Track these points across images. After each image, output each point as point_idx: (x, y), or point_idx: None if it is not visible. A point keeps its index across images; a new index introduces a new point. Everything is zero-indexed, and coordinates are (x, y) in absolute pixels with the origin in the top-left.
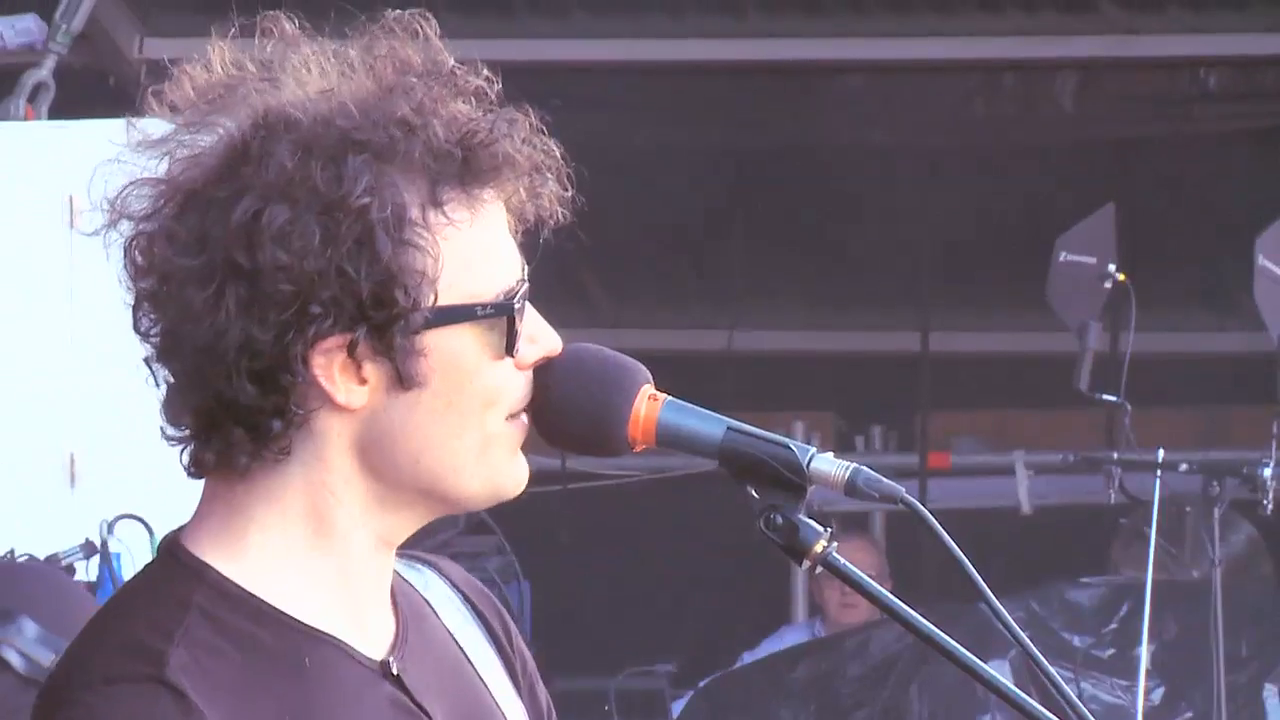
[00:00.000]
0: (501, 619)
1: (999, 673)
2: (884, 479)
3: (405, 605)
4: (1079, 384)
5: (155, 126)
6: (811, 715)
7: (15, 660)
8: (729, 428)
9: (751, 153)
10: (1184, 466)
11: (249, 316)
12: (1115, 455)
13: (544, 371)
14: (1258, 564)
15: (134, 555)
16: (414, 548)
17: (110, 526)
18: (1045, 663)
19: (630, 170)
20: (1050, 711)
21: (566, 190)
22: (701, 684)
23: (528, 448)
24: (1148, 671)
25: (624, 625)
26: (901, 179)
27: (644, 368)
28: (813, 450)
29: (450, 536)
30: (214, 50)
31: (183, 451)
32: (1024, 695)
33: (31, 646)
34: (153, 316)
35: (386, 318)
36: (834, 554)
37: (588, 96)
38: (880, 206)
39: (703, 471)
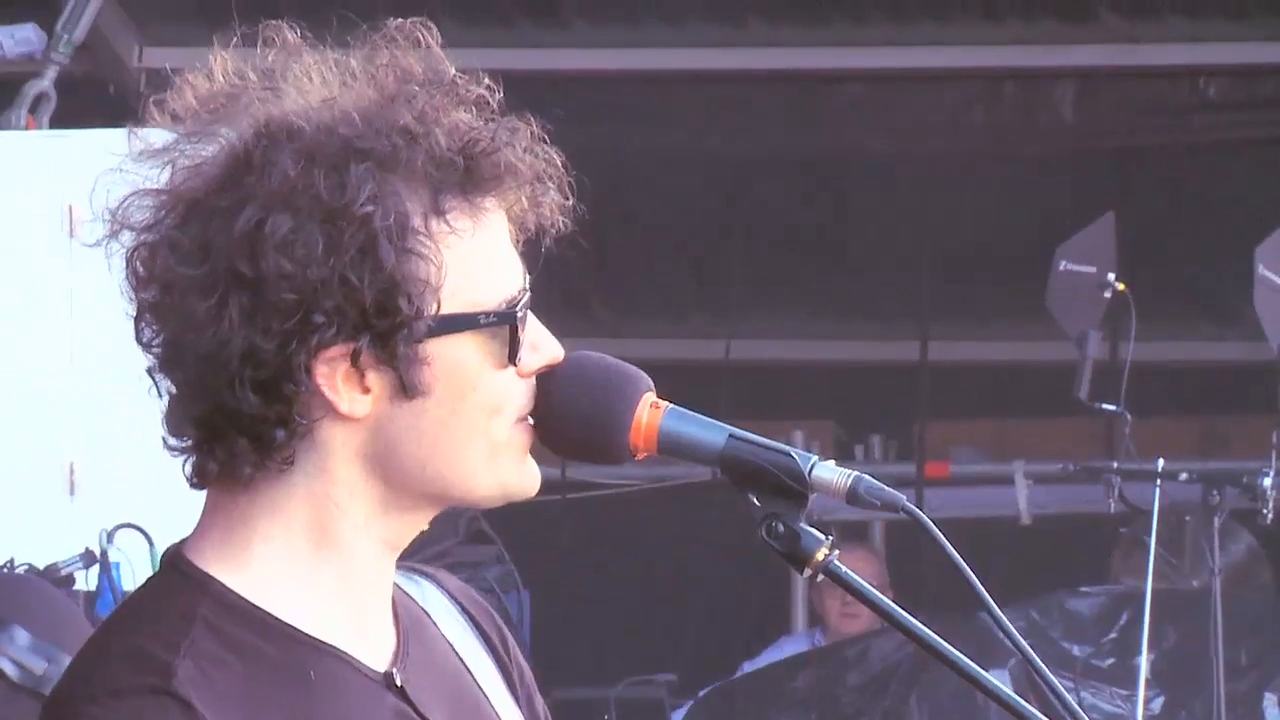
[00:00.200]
0: (499, 630)
1: (999, 681)
2: (885, 487)
3: (405, 616)
4: (1079, 393)
5: (156, 136)
6: None
7: (9, 668)
8: (731, 435)
9: (751, 161)
10: (1184, 476)
11: (252, 326)
12: (1115, 464)
13: (546, 379)
14: (1257, 573)
15: (133, 565)
16: (412, 557)
17: (110, 536)
18: (1046, 671)
19: (630, 179)
20: None
21: (568, 199)
22: (701, 693)
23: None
24: (1147, 680)
25: (624, 635)
26: (901, 187)
27: (646, 375)
28: (814, 458)
29: (449, 546)
30: (216, 59)
31: (185, 462)
32: (1024, 704)
33: (24, 654)
34: (155, 327)
35: (390, 326)
36: (835, 562)
37: (588, 106)
38: (880, 215)
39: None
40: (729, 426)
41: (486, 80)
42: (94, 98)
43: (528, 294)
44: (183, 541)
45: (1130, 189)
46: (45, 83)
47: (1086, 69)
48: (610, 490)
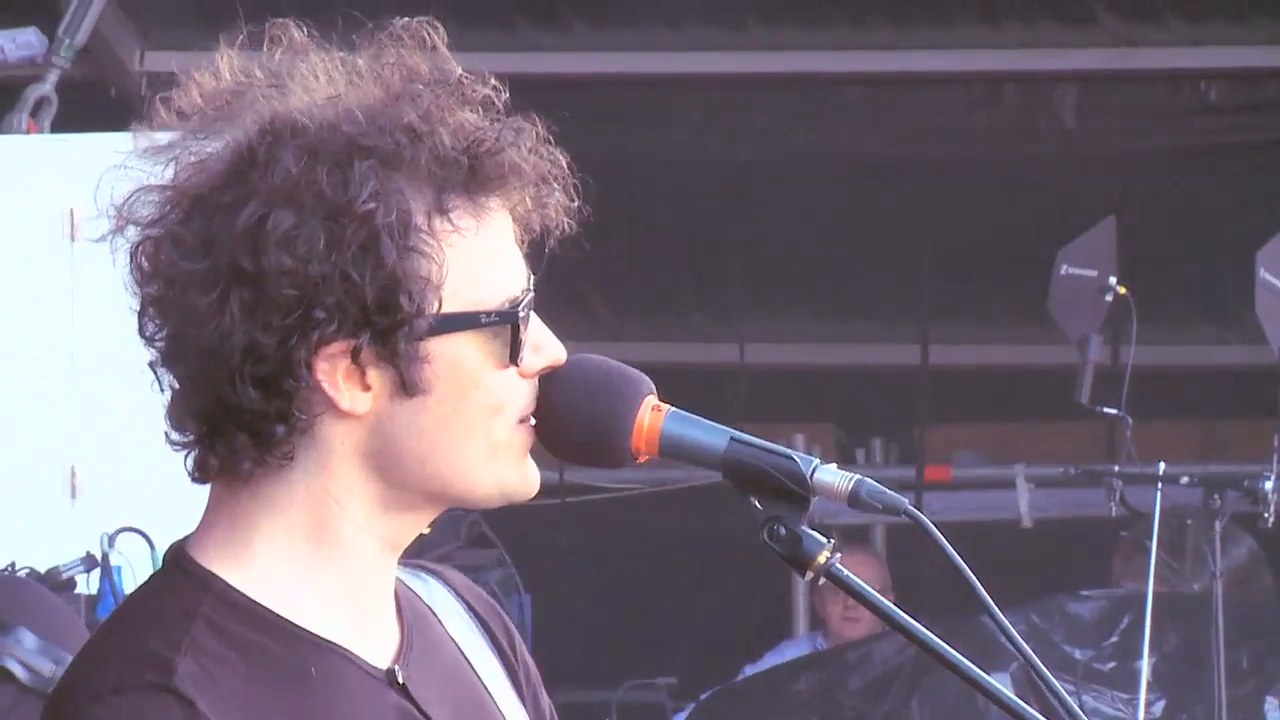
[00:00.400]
0: (505, 627)
1: (1000, 685)
2: (887, 490)
3: (409, 613)
4: (1080, 396)
5: (161, 135)
6: None
7: (17, 670)
8: (732, 439)
9: (751, 165)
10: (1185, 479)
11: (253, 321)
12: (1116, 468)
13: (547, 381)
14: (1259, 577)
15: (134, 568)
16: (414, 560)
17: (111, 539)
18: (1048, 674)
19: (630, 182)
20: None
21: (573, 201)
22: (703, 697)
23: (553, 462)
24: (1149, 684)
25: (625, 638)
26: (901, 191)
27: (647, 379)
28: (816, 461)
29: (450, 550)
30: (222, 58)
31: (186, 456)
32: (1025, 707)
33: (32, 657)
34: (158, 322)
35: (390, 323)
36: (837, 565)
37: (588, 109)
38: (880, 218)
39: (704, 484)
40: (730, 429)
41: (492, 81)
42: (95, 102)
43: (531, 294)
44: (185, 539)
45: (1131, 193)
46: (46, 87)
47: (1087, 72)
48: (611, 494)
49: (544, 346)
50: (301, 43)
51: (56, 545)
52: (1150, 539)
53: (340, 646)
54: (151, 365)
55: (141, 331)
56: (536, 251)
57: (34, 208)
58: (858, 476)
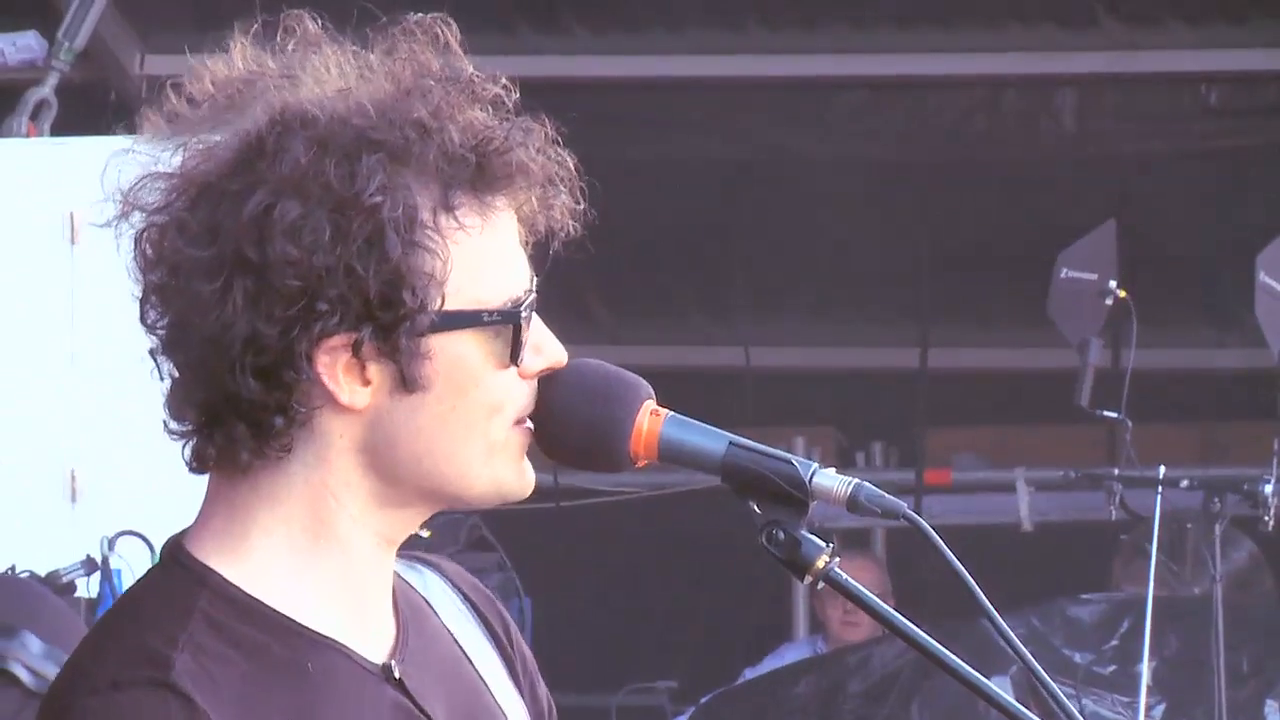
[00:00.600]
0: (501, 618)
1: (1000, 689)
2: (886, 494)
3: (405, 606)
4: (1080, 400)
5: (167, 126)
6: None
7: (23, 675)
8: (731, 443)
9: (751, 168)
10: (1185, 483)
11: (256, 310)
12: (1116, 471)
13: (546, 385)
14: (1259, 580)
15: (135, 572)
16: (409, 552)
17: (111, 543)
18: (1047, 678)
19: (630, 185)
20: None
21: (579, 203)
22: (703, 700)
23: (549, 464)
24: (1149, 688)
25: (625, 642)
26: (901, 194)
27: (646, 383)
28: (815, 465)
29: (450, 553)
30: (235, 46)
31: (184, 446)
32: (1025, 711)
33: (37, 661)
34: (159, 309)
35: (393, 318)
36: (836, 569)
37: (589, 112)
38: (881, 222)
39: (704, 488)
40: (729, 434)
41: (503, 80)
42: (95, 105)
43: (534, 295)
44: (183, 532)
45: (1131, 196)
46: (46, 90)
47: (1087, 76)
48: (611, 498)
49: (545, 348)
50: (315, 35)
51: (56, 549)
52: (1150, 542)
53: (337, 642)
54: (152, 353)
55: (143, 319)
56: (540, 253)
57: (34, 211)
58: (856, 480)
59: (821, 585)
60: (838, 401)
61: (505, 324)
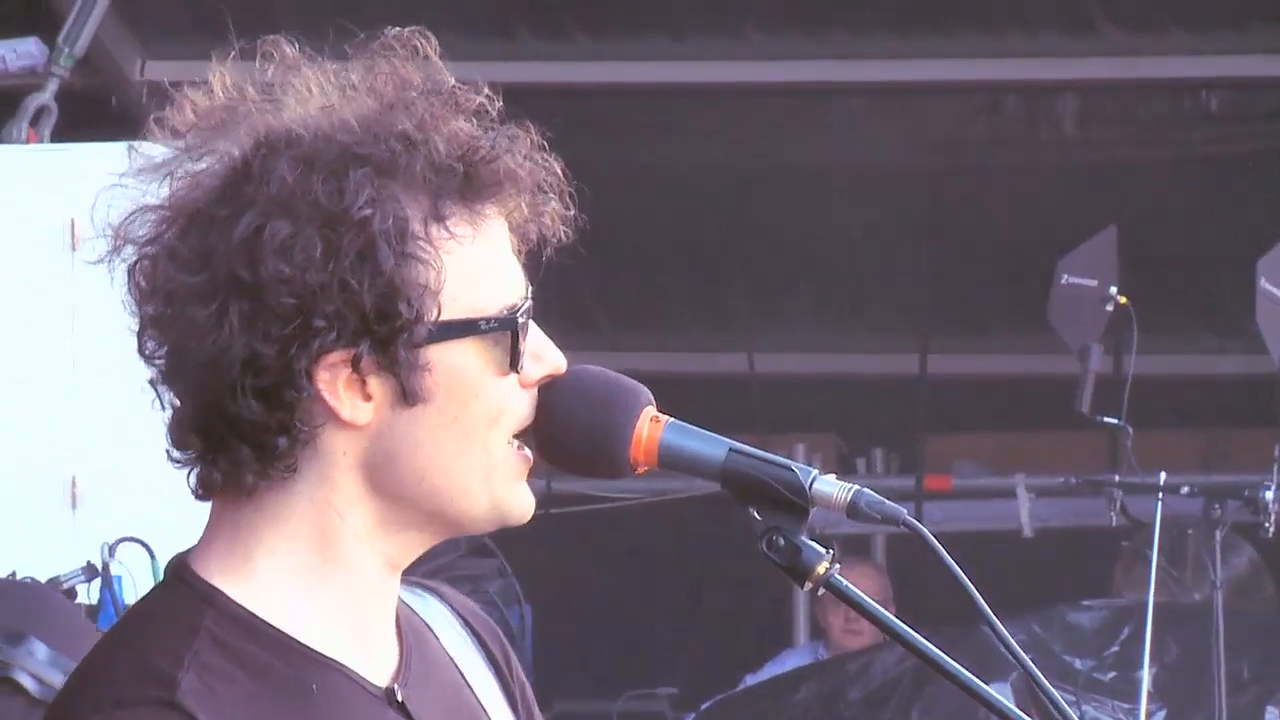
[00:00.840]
0: (501, 645)
1: (1001, 695)
2: (886, 501)
3: (408, 630)
4: (1081, 406)
5: (157, 151)
6: None
7: (28, 683)
8: (731, 449)
9: (751, 174)
10: (1185, 489)
11: (252, 332)
12: (1117, 478)
13: (546, 392)
14: (1259, 586)
15: (135, 578)
16: (413, 570)
17: (112, 549)
18: (1047, 684)
19: (630, 191)
20: None
21: (569, 209)
22: (703, 706)
23: (541, 469)
24: (1149, 694)
25: (626, 648)
26: (902, 200)
27: (646, 389)
28: (815, 472)
29: (451, 560)
30: (214, 75)
31: (190, 474)
32: (1026, 717)
33: (43, 669)
34: (157, 339)
35: (390, 331)
36: (836, 576)
37: (589, 119)
38: (881, 228)
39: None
40: (729, 440)
41: (486, 90)
42: (96, 111)
43: (529, 302)
44: (188, 552)
45: (1131, 202)
46: (46, 96)
47: (1088, 82)
48: (611, 504)
49: (544, 355)
50: (294, 57)
51: (57, 555)
52: (1151, 548)
53: (341, 664)
54: (152, 383)
55: (141, 350)
56: (534, 261)
57: (34, 217)
58: (856, 487)
59: (822, 592)
60: (838, 408)
61: (503, 331)
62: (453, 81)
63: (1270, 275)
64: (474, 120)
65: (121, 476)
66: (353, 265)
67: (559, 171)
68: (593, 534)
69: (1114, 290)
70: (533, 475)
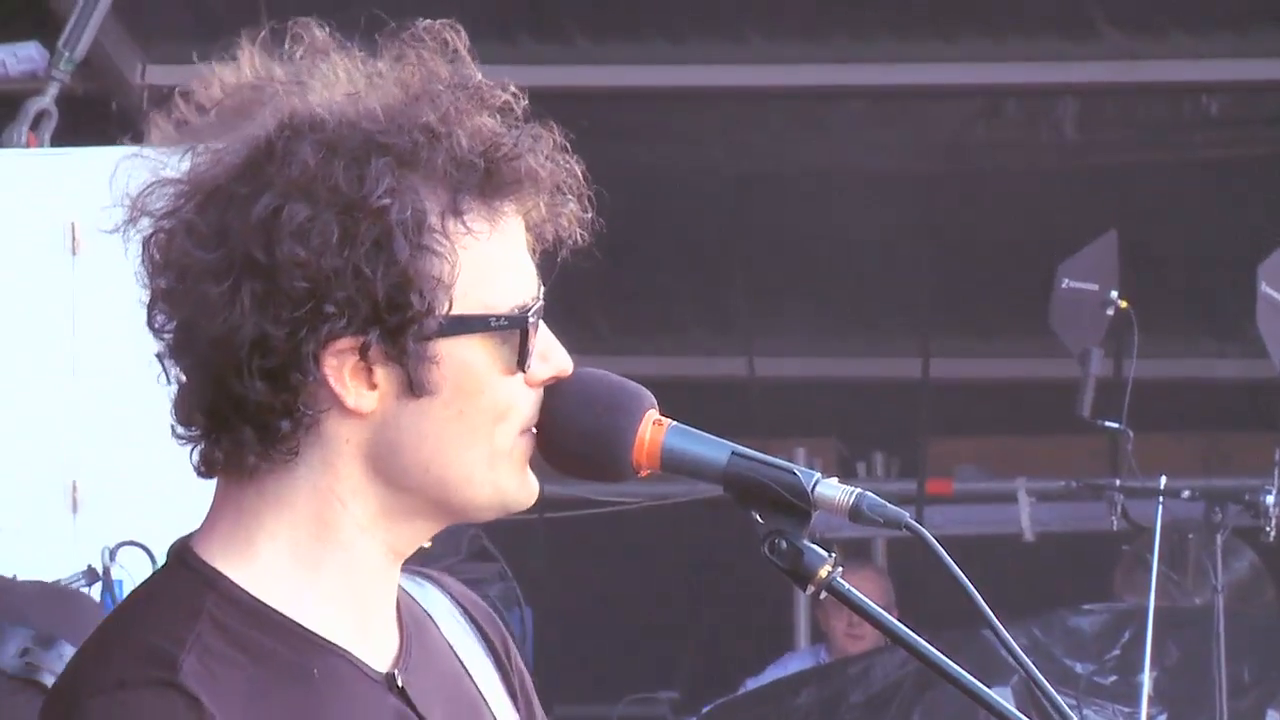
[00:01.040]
0: (500, 635)
1: (1002, 699)
2: (888, 504)
3: (408, 618)
4: (1081, 410)
5: (175, 133)
6: None
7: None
8: (734, 453)
9: (752, 178)
10: (1186, 493)
11: (263, 312)
12: (1117, 482)
13: (550, 393)
14: (1260, 590)
15: (136, 582)
16: (411, 567)
17: (112, 553)
18: (1049, 688)
19: (632, 195)
20: None
21: (587, 212)
22: (704, 710)
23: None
24: (1150, 698)
25: (627, 652)
26: (903, 204)
27: (649, 393)
28: (817, 475)
29: (451, 563)
30: (244, 54)
31: (192, 450)
32: None
33: None
34: (167, 313)
35: (400, 321)
36: (838, 579)
37: (590, 122)
38: (882, 232)
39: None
40: (732, 444)
41: (512, 88)
42: (96, 115)
43: (541, 303)
44: (190, 535)
45: (1132, 206)
46: (47, 100)
47: (1088, 86)
48: (613, 507)
49: (551, 356)
50: (323, 42)
51: (57, 559)
52: (1151, 553)
53: (342, 648)
54: (159, 357)
55: (150, 323)
56: (548, 263)
57: (34, 221)
58: (859, 490)
59: (824, 595)
60: (839, 412)
61: (512, 329)
62: (479, 77)
63: (1271, 279)
64: (498, 118)
65: (122, 480)
66: (368, 253)
67: (579, 174)
68: (593, 537)
69: (1115, 294)
70: (551, 480)
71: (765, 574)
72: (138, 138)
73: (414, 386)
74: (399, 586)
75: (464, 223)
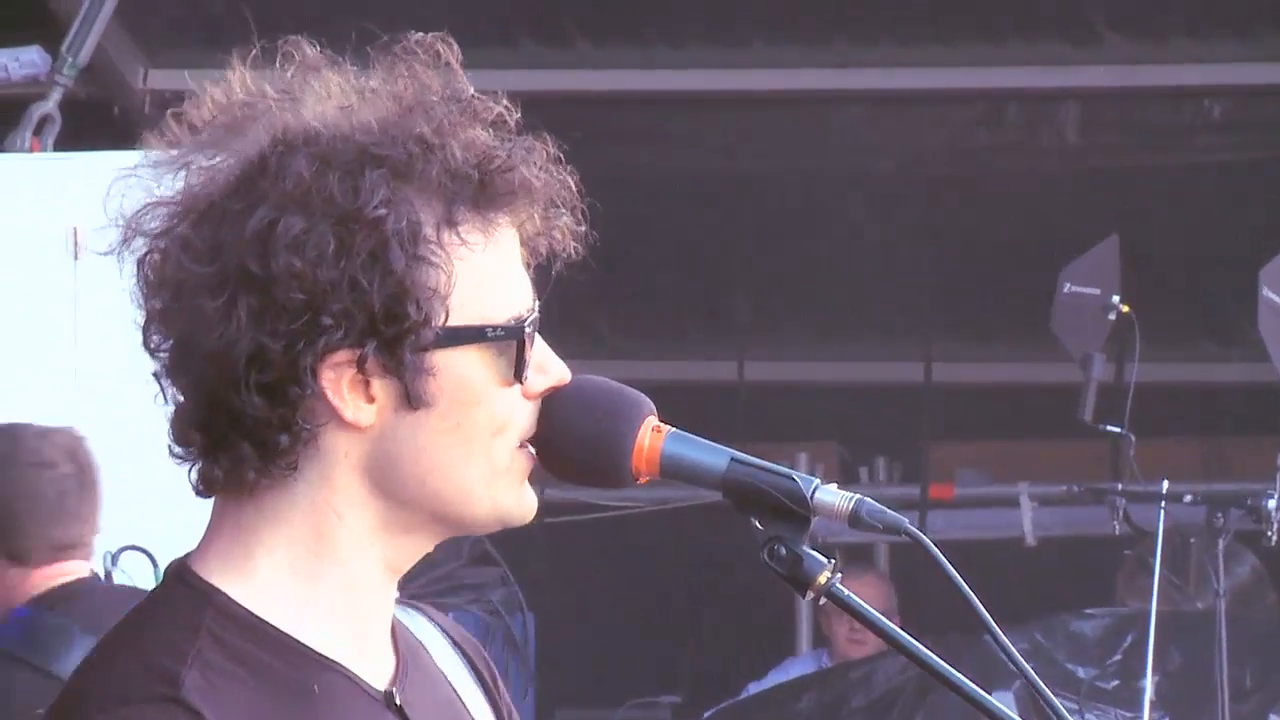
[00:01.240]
0: (489, 668)
1: (1003, 704)
2: (888, 510)
3: (403, 641)
4: (1083, 415)
5: (170, 152)
6: None
7: None
8: (733, 459)
9: (753, 182)
10: (1188, 498)
11: (260, 326)
12: (1119, 486)
13: (549, 401)
14: (1262, 595)
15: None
16: (417, 580)
17: (114, 558)
18: (1050, 693)
19: (633, 200)
20: None
21: (580, 225)
22: (706, 715)
23: (539, 477)
24: (1152, 703)
25: (628, 656)
26: (904, 209)
27: (648, 399)
28: (817, 481)
29: (454, 568)
30: (234, 73)
31: (191, 469)
32: None
33: None
34: (163, 332)
35: (397, 332)
36: (838, 585)
37: (591, 127)
38: (883, 236)
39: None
40: (731, 450)
41: (505, 101)
42: (99, 120)
43: (536, 314)
44: (188, 554)
45: (1134, 210)
46: (50, 105)
47: (1090, 90)
48: (614, 512)
49: (548, 368)
50: (314, 59)
51: None
52: (1153, 557)
53: (341, 665)
54: (156, 376)
55: (146, 343)
56: (543, 276)
57: (37, 226)
58: (858, 496)
59: (824, 601)
60: (841, 417)
61: (509, 340)
62: (472, 90)
63: (1272, 283)
64: (491, 130)
65: (124, 486)
66: (364, 264)
67: (573, 186)
68: (595, 542)
69: (1116, 299)
70: (533, 483)
71: (767, 578)
72: (140, 145)
73: (411, 399)
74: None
75: (459, 234)
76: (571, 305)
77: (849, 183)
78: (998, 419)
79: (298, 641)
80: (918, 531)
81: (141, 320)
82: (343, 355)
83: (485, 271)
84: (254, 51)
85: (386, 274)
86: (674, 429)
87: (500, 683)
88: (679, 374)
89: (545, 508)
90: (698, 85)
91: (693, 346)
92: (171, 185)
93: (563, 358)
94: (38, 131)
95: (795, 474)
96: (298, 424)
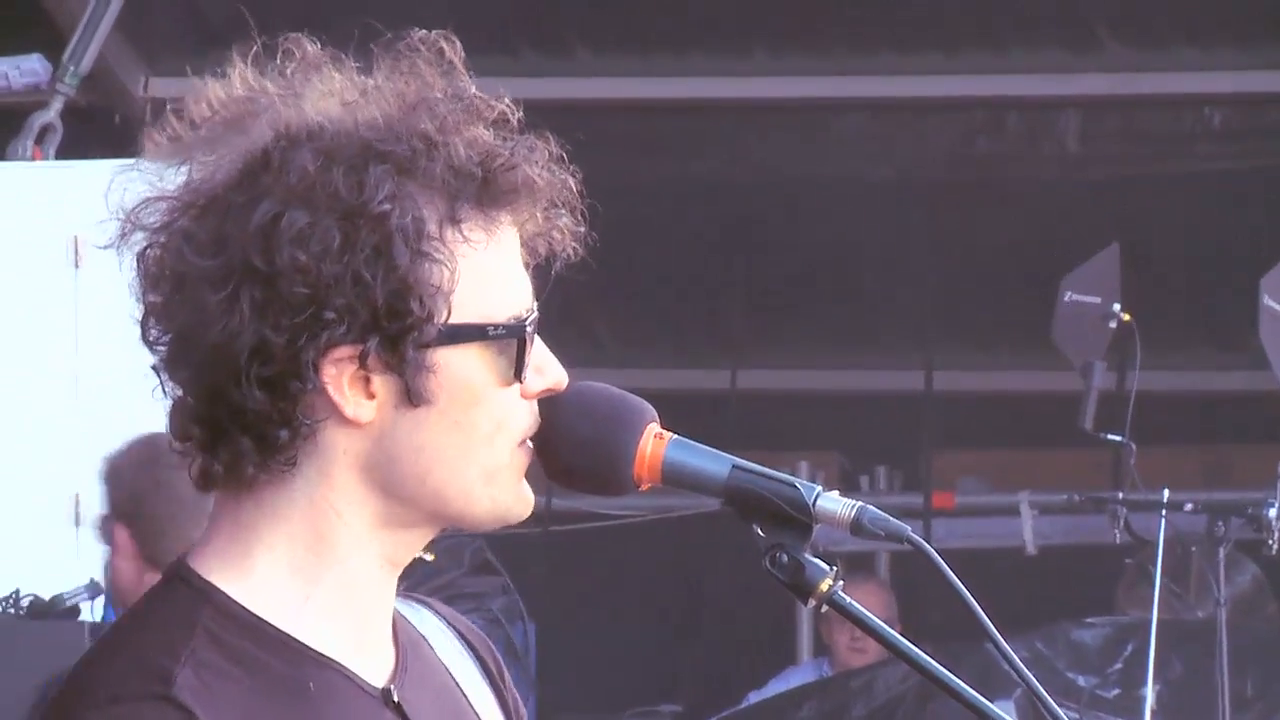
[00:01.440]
0: (495, 659)
1: (1004, 713)
2: (890, 518)
3: (403, 636)
4: (1084, 423)
5: (170, 149)
6: None
7: None
8: (734, 466)
9: (754, 190)
10: (1189, 506)
11: (263, 319)
12: (1120, 495)
13: (550, 407)
14: (1263, 604)
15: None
16: (417, 589)
17: None
18: (1051, 702)
19: (633, 207)
20: None
21: (580, 226)
22: None
23: (542, 486)
24: (1153, 711)
25: (629, 665)
26: (905, 217)
27: (650, 406)
28: (818, 489)
29: (454, 577)
30: (235, 70)
31: (190, 466)
32: None
33: None
34: (162, 325)
35: (400, 328)
36: (840, 593)
37: (592, 135)
38: (884, 245)
39: (707, 511)
40: (733, 457)
41: (507, 100)
42: (100, 128)
43: (536, 315)
44: (186, 552)
45: (1134, 218)
46: (51, 114)
47: (1090, 98)
48: (615, 521)
49: (546, 369)
50: (315, 57)
51: (61, 572)
52: (1154, 566)
53: (338, 663)
54: (155, 369)
55: (144, 336)
56: (542, 276)
57: (39, 234)
58: (860, 504)
59: (825, 609)
60: (841, 425)
61: (510, 339)
62: (474, 90)
63: (1273, 292)
64: (493, 130)
65: None
66: (368, 259)
67: (574, 187)
68: (596, 551)
69: (1117, 307)
70: (535, 491)
71: (768, 587)
72: (140, 152)
73: (412, 396)
74: (394, 608)
75: (461, 231)
76: (571, 311)
77: (849, 190)
78: (998, 427)
79: (295, 640)
80: (919, 539)
81: (140, 314)
82: (345, 350)
83: (487, 270)
84: (255, 49)
85: (390, 270)
86: (676, 436)
87: (506, 674)
88: (679, 382)
89: (547, 516)
90: (699, 93)
91: (694, 354)
92: (173, 180)
93: (563, 364)
94: (39, 140)
95: (797, 481)
96: (298, 419)
